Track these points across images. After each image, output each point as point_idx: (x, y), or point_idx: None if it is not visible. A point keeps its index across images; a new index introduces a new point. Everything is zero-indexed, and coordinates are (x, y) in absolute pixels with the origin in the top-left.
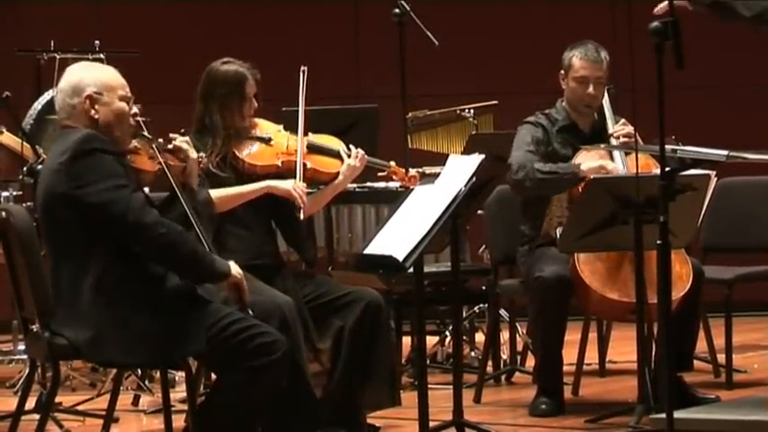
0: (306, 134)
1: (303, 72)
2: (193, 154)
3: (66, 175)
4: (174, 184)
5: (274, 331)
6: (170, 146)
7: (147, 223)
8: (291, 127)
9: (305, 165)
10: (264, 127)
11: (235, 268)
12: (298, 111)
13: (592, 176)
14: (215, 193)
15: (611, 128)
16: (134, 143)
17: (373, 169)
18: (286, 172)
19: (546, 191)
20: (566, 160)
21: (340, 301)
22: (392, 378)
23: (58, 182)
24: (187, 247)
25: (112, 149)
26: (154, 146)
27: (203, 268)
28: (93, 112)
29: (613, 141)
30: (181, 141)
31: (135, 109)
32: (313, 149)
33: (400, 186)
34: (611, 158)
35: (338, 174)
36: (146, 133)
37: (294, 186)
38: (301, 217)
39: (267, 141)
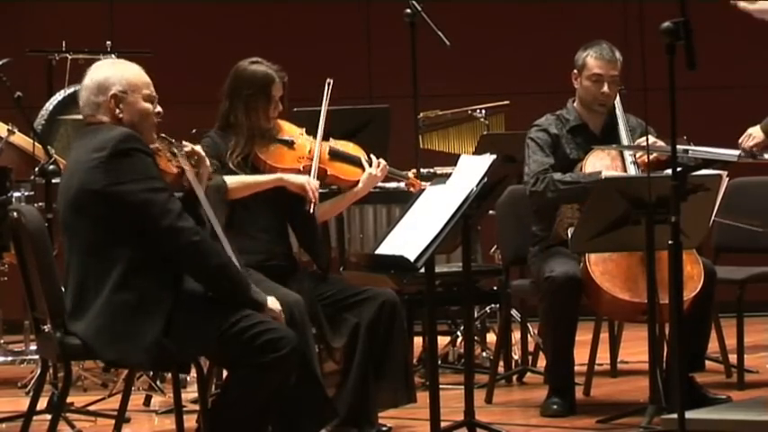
0: (328, 139)
1: (328, 84)
2: (207, 161)
3: (104, 171)
4: (194, 188)
5: (282, 327)
6: (185, 150)
7: (181, 228)
8: (314, 130)
9: (325, 170)
10: (287, 129)
11: (273, 303)
12: (310, 112)
13: (603, 176)
14: (229, 180)
15: (622, 129)
16: (156, 144)
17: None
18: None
19: (568, 201)
20: (575, 163)
21: (356, 298)
22: (408, 375)
23: (94, 178)
24: (218, 259)
25: (149, 151)
26: (174, 149)
27: (233, 286)
28: (117, 111)
29: (624, 140)
30: (195, 147)
31: (158, 108)
32: (335, 156)
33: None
34: (623, 159)
35: (358, 182)
36: (165, 135)
37: (308, 180)
38: (311, 211)
39: (290, 144)
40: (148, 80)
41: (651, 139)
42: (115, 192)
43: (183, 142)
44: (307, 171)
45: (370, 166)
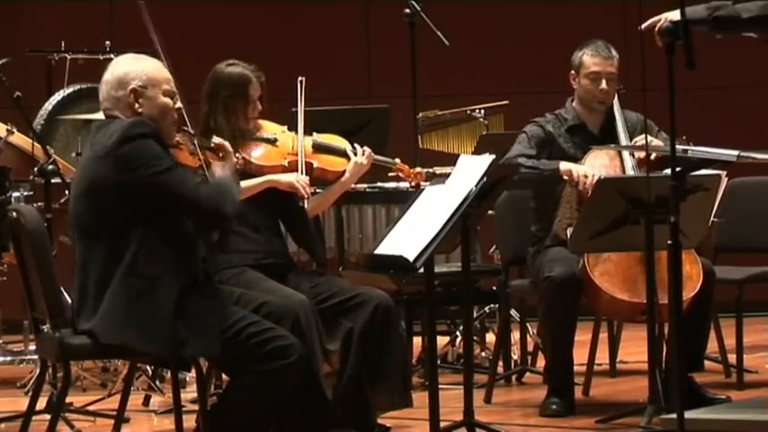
0: (310, 134)
1: (301, 82)
2: (233, 156)
3: (113, 159)
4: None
5: (289, 335)
6: (212, 144)
7: (202, 198)
8: (296, 128)
9: (311, 164)
10: (269, 128)
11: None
12: (309, 112)
13: (602, 176)
14: None
15: (620, 129)
16: (177, 138)
17: (384, 169)
18: (293, 172)
19: (525, 184)
20: (573, 161)
21: (349, 303)
22: (404, 379)
23: (104, 167)
24: (232, 202)
25: (157, 134)
26: (195, 141)
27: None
28: (137, 105)
29: (623, 140)
30: (222, 140)
31: (179, 104)
32: (319, 149)
33: (411, 187)
34: (621, 159)
35: (345, 172)
36: (189, 129)
37: (297, 178)
38: (306, 206)
39: (272, 142)
40: (169, 75)
41: (649, 138)
42: (126, 181)
43: (214, 137)
44: (293, 166)
45: (356, 155)
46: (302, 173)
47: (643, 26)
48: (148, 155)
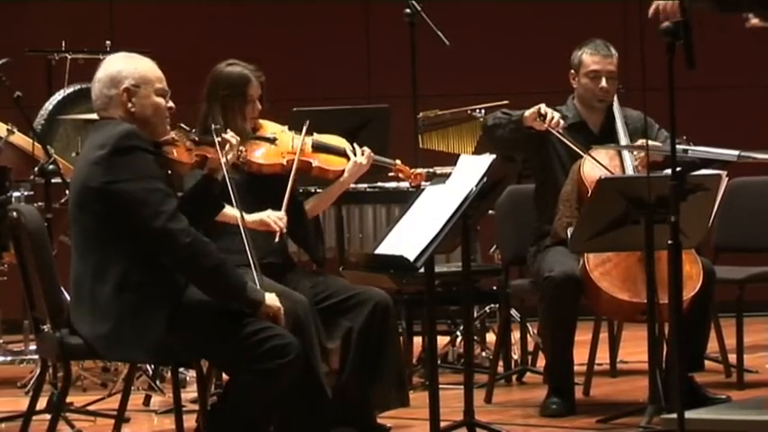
0: (311, 134)
1: (306, 124)
2: (235, 149)
3: (103, 168)
4: (224, 174)
5: (287, 334)
6: (219, 138)
7: (173, 230)
8: (297, 128)
9: (310, 163)
10: (268, 128)
11: (271, 299)
12: (310, 112)
13: (602, 176)
14: None
15: (620, 129)
16: (172, 134)
17: (382, 168)
18: (290, 171)
19: (498, 127)
20: (573, 160)
21: (348, 303)
22: (401, 379)
23: (94, 175)
24: (211, 260)
25: (152, 149)
26: (192, 137)
27: (227, 287)
28: (129, 104)
29: (622, 139)
30: (231, 136)
31: (171, 103)
32: (319, 148)
33: (412, 187)
34: (621, 158)
35: (344, 171)
36: (184, 126)
37: (268, 215)
38: (276, 240)
39: (272, 141)
40: (161, 74)
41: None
42: (111, 190)
43: (214, 126)
44: (290, 165)
45: (355, 155)
46: (284, 208)
47: (650, 14)
48: (141, 169)
